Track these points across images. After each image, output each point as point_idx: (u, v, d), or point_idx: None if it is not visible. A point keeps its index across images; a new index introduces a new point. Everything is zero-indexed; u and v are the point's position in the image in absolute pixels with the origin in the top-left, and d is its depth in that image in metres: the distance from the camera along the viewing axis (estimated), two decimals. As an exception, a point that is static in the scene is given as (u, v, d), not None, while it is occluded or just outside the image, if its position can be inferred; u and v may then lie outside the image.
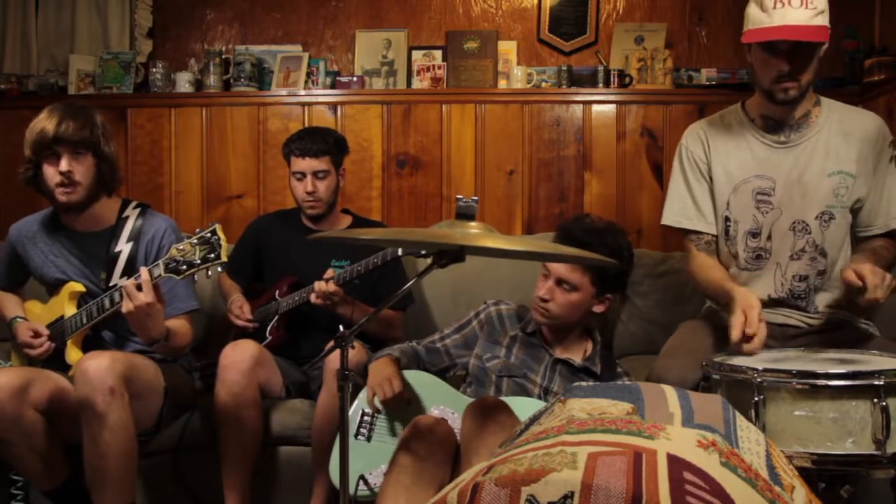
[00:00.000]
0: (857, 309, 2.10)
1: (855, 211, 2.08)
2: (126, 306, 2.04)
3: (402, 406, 2.04)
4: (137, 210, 2.34)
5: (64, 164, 2.15)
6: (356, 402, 2.09)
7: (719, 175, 2.13)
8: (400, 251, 2.36)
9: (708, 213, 2.16)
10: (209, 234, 2.02)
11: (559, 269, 2.06)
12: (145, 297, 2.02)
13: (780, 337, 2.11)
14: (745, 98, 2.20)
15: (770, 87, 1.99)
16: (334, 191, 2.70)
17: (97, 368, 1.98)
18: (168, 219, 2.36)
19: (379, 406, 2.06)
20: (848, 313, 2.13)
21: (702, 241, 2.17)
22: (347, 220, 2.82)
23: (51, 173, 2.17)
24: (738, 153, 2.11)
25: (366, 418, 2.08)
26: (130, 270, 2.22)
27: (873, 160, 2.06)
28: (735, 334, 1.76)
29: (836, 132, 2.06)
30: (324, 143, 2.65)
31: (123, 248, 2.27)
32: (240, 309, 2.65)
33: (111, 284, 2.24)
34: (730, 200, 2.12)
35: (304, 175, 2.64)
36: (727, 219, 2.13)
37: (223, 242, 2.01)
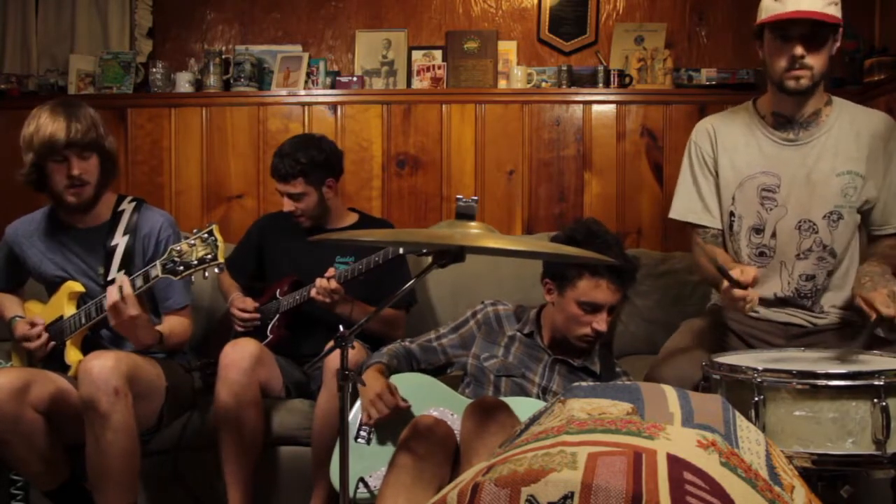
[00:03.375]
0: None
1: (864, 211, 2.08)
2: (113, 320, 2.05)
3: (403, 412, 2.03)
4: (133, 204, 2.34)
5: (76, 168, 2.17)
6: (357, 405, 2.08)
7: (726, 169, 2.14)
8: (401, 249, 2.36)
9: (714, 209, 2.17)
10: (207, 235, 2.02)
11: (614, 299, 2.05)
12: (130, 310, 2.03)
13: (784, 336, 2.11)
14: (747, 97, 2.21)
15: (782, 76, 1.99)
16: (317, 205, 2.65)
17: (101, 368, 1.98)
18: (165, 213, 2.37)
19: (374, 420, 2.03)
20: (855, 314, 2.12)
21: (708, 235, 2.18)
22: (353, 217, 2.81)
23: (59, 177, 2.18)
24: (745, 149, 2.12)
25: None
26: (127, 264, 2.23)
27: (884, 160, 2.06)
28: (734, 273, 1.78)
29: (847, 132, 2.06)
30: (294, 165, 2.56)
31: (120, 241, 2.27)
32: (243, 302, 2.65)
33: (109, 279, 2.24)
34: (735, 196, 2.13)
35: (283, 195, 2.64)
36: (731, 214, 2.14)
37: (220, 243, 2.01)
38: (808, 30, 1.93)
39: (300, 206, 2.63)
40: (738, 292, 1.78)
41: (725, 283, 1.79)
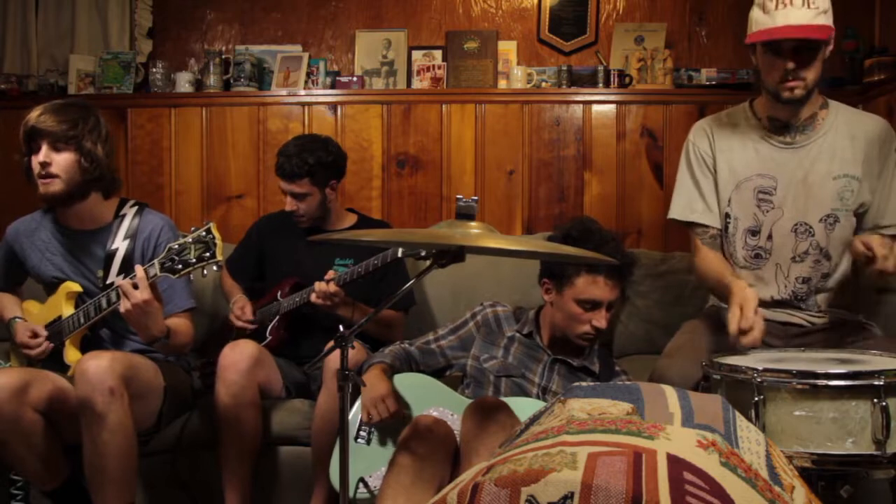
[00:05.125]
0: (858, 306, 2.11)
1: (859, 214, 2.08)
2: (123, 305, 2.04)
3: (399, 421, 2.03)
4: (135, 208, 2.34)
5: (42, 155, 2.15)
6: (357, 405, 2.08)
7: (723, 171, 2.14)
8: (400, 252, 2.36)
9: (714, 207, 2.17)
10: (204, 233, 2.02)
11: (613, 295, 2.05)
12: (142, 294, 2.02)
13: (782, 336, 2.11)
14: (747, 97, 2.21)
15: (776, 87, 2.00)
16: (319, 206, 2.65)
17: (97, 368, 1.98)
18: (165, 217, 2.36)
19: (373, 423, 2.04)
20: (850, 313, 2.13)
21: (707, 235, 2.18)
22: (352, 218, 2.81)
23: (33, 163, 2.18)
24: (742, 151, 2.12)
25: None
26: (127, 268, 2.22)
27: (879, 163, 2.06)
28: (732, 328, 1.79)
29: (843, 135, 2.06)
30: (301, 165, 2.57)
31: (120, 245, 2.27)
32: (241, 310, 2.65)
33: (108, 282, 2.23)
34: (731, 197, 2.13)
35: (286, 193, 2.64)
36: (727, 216, 2.14)
37: (218, 241, 2.01)
38: (799, 43, 1.93)
39: (302, 207, 2.63)
40: (745, 340, 1.78)
41: (731, 335, 1.80)
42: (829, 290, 2.10)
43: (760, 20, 1.96)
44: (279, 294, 2.67)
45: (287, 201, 2.64)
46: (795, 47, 1.93)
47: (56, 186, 2.17)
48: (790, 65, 1.95)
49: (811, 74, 1.97)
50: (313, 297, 2.45)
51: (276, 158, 2.65)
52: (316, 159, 2.59)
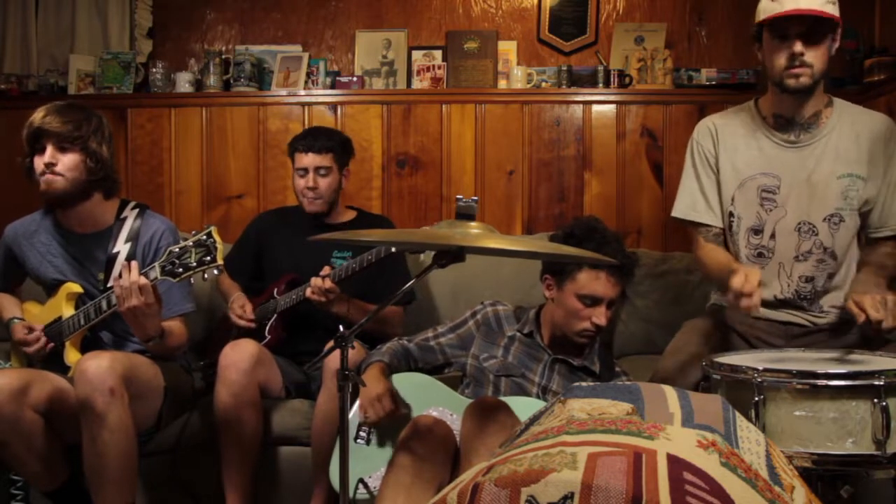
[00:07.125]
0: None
1: (864, 213, 2.08)
2: (125, 304, 2.04)
3: (397, 419, 2.03)
4: (136, 211, 2.33)
5: (47, 156, 2.15)
6: (356, 405, 2.08)
7: (726, 169, 2.14)
8: (393, 248, 2.37)
9: (716, 207, 2.17)
10: (205, 237, 2.02)
11: (614, 292, 2.05)
12: (147, 297, 2.03)
13: (784, 336, 2.11)
14: (747, 97, 2.21)
15: (781, 74, 1.99)
16: (335, 189, 2.69)
17: (97, 369, 1.98)
18: (166, 220, 2.36)
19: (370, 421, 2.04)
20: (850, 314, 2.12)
21: (710, 234, 2.18)
22: (351, 213, 2.82)
23: (37, 164, 2.18)
24: (746, 149, 2.12)
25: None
26: None
27: (884, 161, 2.06)
28: (736, 281, 1.77)
29: (848, 134, 2.06)
30: (328, 140, 2.67)
31: (121, 248, 2.27)
32: (241, 308, 2.65)
33: (108, 285, 2.23)
34: (735, 196, 2.13)
35: (306, 171, 2.65)
36: (731, 214, 2.14)
37: (219, 245, 2.01)
38: (807, 27, 1.93)
39: (323, 184, 2.65)
40: (744, 302, 1.77)
41: (731, 295, 1.79)
42: (835, 290, 2.10)
43: (769, 8, 1.96)
44: (275, 292, 2.67)
45: (307, 179, 2.65)
46: (802, 32, 1.94)
47: (59, 183, 2.17)
48: (797, 46, 1.94)
49: (818, 62, 1.97)
50: (308, 293, 2.46)
51: (291, 147, 2.71)
52: (339, 139, 2.73)
